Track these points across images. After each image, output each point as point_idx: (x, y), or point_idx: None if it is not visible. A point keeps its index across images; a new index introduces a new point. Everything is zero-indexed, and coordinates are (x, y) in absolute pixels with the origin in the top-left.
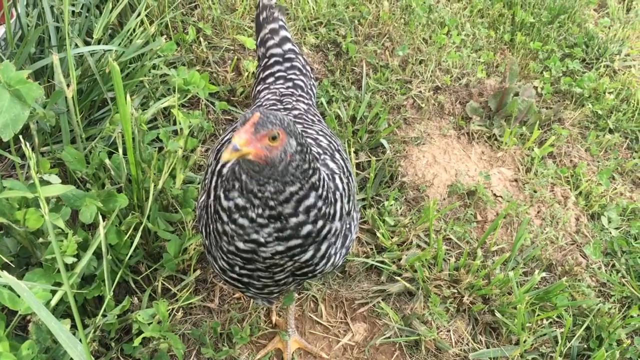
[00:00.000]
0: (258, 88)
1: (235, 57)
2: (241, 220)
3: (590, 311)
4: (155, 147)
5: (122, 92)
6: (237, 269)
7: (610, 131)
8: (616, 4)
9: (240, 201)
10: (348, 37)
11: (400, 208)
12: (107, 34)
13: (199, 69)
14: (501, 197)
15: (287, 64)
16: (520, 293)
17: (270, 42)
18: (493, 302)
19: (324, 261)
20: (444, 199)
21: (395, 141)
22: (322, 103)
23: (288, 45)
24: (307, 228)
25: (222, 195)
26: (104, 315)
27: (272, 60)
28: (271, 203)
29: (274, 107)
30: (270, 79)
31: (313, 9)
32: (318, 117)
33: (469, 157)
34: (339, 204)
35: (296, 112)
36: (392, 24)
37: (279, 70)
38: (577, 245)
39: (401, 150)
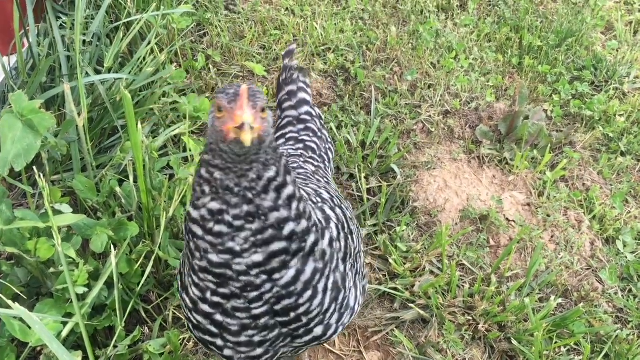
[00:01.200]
0: None
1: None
2: (217, 228)
3: (608, 338)
4: (166, 175)
5: (133, 121)
6: (208, 294)
7: (622, 154)
8: (623, 26)
9: (215, 205)
10: (356, 63)
11: (412, 234)
12: (118, 62)
13: (209, 96)
14: (514, 221)
15: (301, 126)
16: (537, 320)
17: (286, 104)
18: (509, 330)
19: (308, 293)
20: (456, 224)
21: (405, 166)
22: (331, 128)
23: (305, 108)
24: (290, 226)
25: (190, 210)
26: (115, 346)
27: (285, 121)
28: (249, 195)
29: None
30: (281, 141)
31: (321, 35)
32: (327, 179)
33: (480, 181)
34: (328, 233)
35: (301, 170)
36: (400, 49)
37: (290, 132)
38: (593, 270)
39: (412, 175)
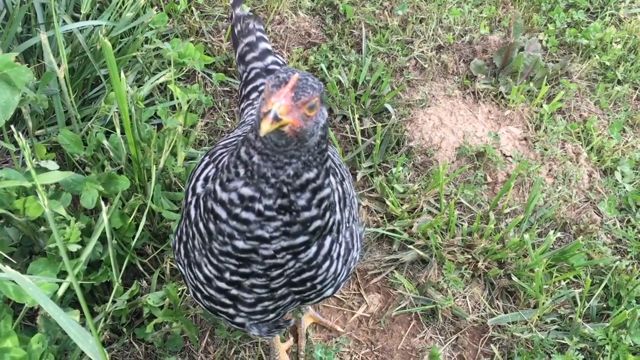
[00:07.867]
0: (242, 106)
1: (230, 25)
2: (245, 215)
3: (607, 269)
4: (154, 125)
5: (115, 70)
6: (227, 274)
7: (619, 82)
8: None
9: (247, 191)
10: None
11: (409, 174)
12: (96, 8)
13: (193, 40)
14: (511, 157)
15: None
16: (537, 255)
17: (250, 56)
18: (509, 266)
19: (326, 263)
20: (453, 162)
21: (399, 105)
22: (321, 69)
23: (270, 58)
24: (317, 224)
25: (217, 189)
26: (113, 302)
27: (253, 74)
28: (285, 189)
29: None
30: (254, 94)
31: None
32: None
33: (475, 117)
34: (337, 194)
35: None
36: None
37: (262, 84)
38: (591, 203)
39: (406, 114)
